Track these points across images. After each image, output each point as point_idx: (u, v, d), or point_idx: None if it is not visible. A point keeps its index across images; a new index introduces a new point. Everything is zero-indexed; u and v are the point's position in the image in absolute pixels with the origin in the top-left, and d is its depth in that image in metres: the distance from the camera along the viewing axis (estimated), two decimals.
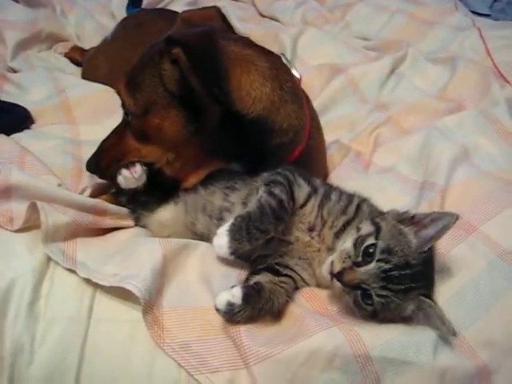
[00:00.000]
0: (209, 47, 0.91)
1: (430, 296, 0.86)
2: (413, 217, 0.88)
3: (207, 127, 0.99)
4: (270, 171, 0.98)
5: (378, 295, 0.82)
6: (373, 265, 0.83)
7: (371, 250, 0.84)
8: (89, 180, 1.15)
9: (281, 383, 0.80)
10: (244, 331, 0.82)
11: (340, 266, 0.85)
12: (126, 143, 1.07)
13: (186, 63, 0.90)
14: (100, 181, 1.15)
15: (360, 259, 0.84)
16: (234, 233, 0.87)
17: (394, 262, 0.82)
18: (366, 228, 0.87)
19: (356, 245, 0.85)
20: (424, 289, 0.85)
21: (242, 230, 0.87)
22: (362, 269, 0.83)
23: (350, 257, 0.85)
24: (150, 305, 0.84)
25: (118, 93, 1.05)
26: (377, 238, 0.85)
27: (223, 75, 0.91)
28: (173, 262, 0.93)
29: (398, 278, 0.82)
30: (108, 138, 1.12)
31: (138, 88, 1.00)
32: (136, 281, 0.84)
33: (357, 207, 0.94)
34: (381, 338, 0.83)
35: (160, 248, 0.92)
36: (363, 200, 0.97)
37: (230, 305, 0.82)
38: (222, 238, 0.88)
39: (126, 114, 1.06)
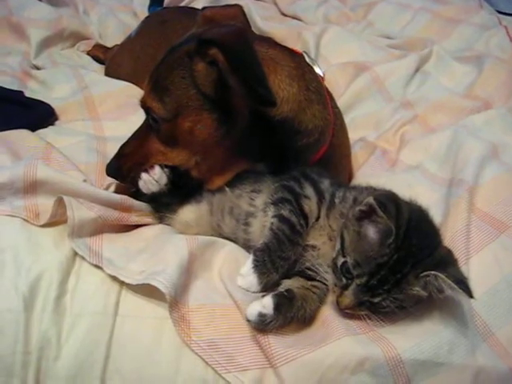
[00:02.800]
0: (245, 46, 0.88)
1: (433, 264, 0.79)
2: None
3: (237, 129, 0.97)
4: (278, 181, 0.96)
5: (379, 300, 0.80)
6: (353, 284, 0.81)
7: (346, 268, 0.81)
8: None
9: None
10: (272, 332, 0.81)
11: (333, 296, 0.84)
12: (150, 147, 1.04)
13: (225, 63, 0.87)
14: None
15: (344, 281, 0.82)
16: (260, 268, 0.85)
17: (367, 272, 0.79)
18: (337, 244, 0.85)
19: (333, 270, 0.84)
20: (421, 265, 0.79)
21: (267, 263, 0.85)
22: (347, 292, 0.82)
23: (335, 285, 0.84)
24: (175, 301, 0.83)
25: (142, 101, 1.02)
26: (344, 255, 0.82)
27: (264, 73, 0.88)
28: (199, 259, 0.92)
29: (378, 284, 0.79)
30: (128, 142, 1.08)
31: (167, 91, 0.96)
32: (162, 277, 0.83)
33: (352, 203, 0.89)
34: (411, 341, 0.81)
35: (186, 245, 0.91)
36: (363, 190, 0.93)
37: (262, 316, 0.79)
38: (249, 277, 0.86)
39: (152, 118, 1.01)
